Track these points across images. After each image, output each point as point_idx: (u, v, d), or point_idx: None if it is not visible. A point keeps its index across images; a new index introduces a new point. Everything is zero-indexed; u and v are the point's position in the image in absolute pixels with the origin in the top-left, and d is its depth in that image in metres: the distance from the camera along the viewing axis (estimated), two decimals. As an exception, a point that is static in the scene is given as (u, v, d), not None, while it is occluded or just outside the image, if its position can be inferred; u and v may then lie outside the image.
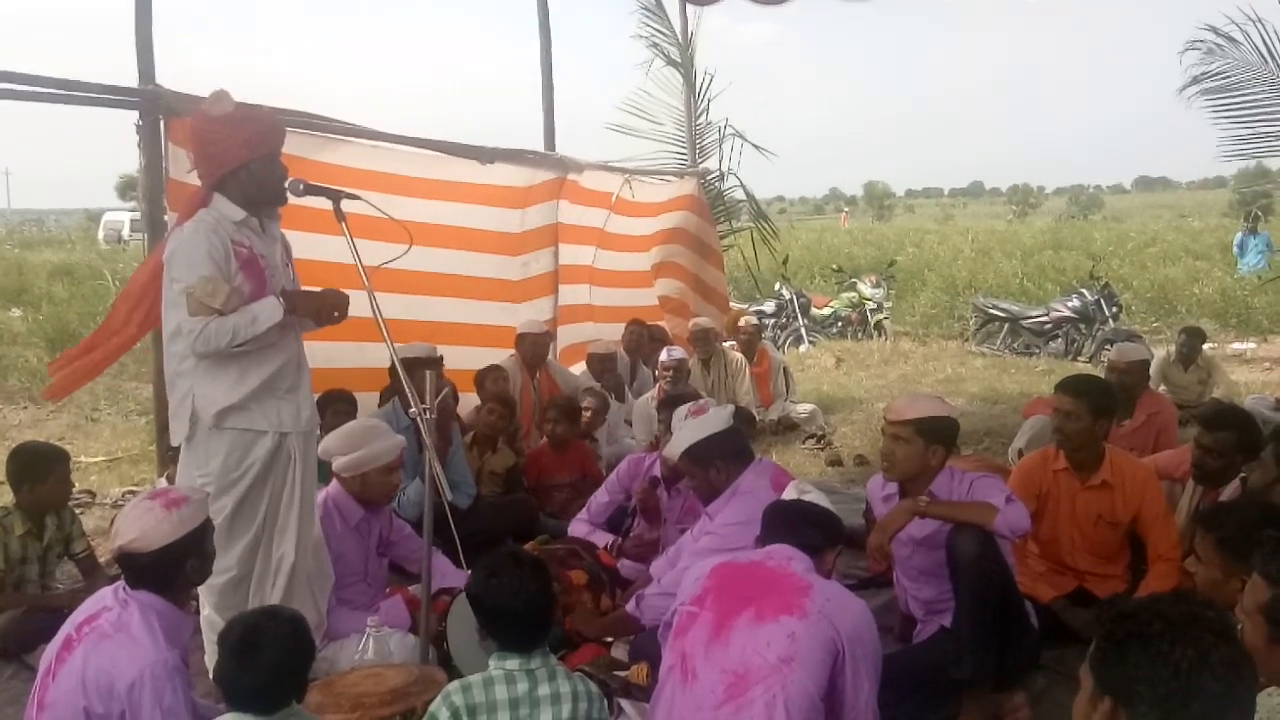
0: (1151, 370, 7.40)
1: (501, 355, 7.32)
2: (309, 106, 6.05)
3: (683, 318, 9.92)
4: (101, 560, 5.03)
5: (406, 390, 3.68)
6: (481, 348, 7.36)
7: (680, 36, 11.30)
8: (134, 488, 7.30)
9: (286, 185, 3.88)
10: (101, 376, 12.53)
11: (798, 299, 15.73)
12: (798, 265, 20.75)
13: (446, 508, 3.68)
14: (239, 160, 3.79)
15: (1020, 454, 5.77)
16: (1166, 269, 20.70)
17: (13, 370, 12.92)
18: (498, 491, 6.23)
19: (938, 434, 3.92)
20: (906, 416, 3.93)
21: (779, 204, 74.47)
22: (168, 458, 5.49)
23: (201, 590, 3.69)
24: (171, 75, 5.33)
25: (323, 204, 3.87)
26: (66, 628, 3.01)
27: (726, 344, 9.56)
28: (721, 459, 4.25)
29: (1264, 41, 8.72)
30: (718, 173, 11.63)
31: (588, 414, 6.87)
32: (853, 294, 16.22)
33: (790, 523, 3.26)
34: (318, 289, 4.03)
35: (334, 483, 4.46)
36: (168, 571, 3.00)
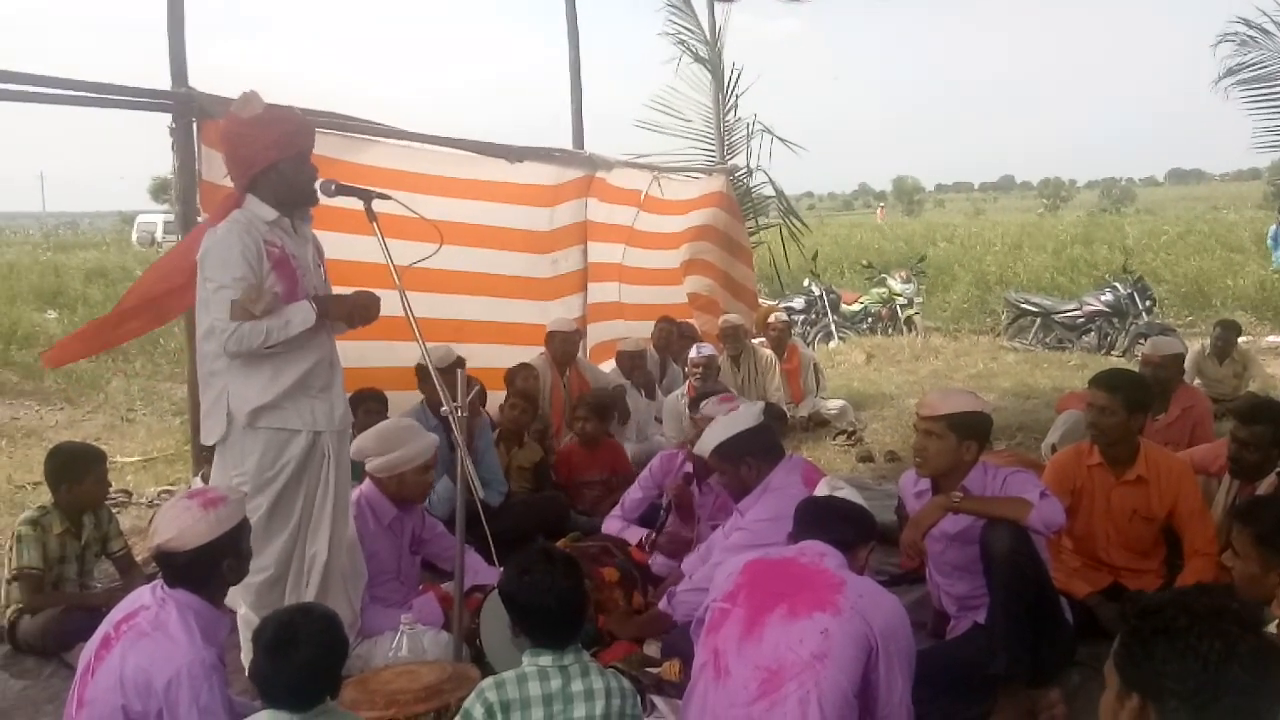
0: (1186, 364, 7.33)
1: (531, 353, 7.33)
2: (339, 109, 6.06)
3: (712, 315, 9.90)
4: (138, 559, 5.08)
5: (438, 389, 3.69)
6: (511, 346, 7.38)
7: (708, 33, 11.29)
8: (169, 487, 7.37)
9: (318, 186, 3.91)
10: (137, 377, 12.76)
11: (827, 295, 15.69)
12: (827, 261, 20.70)
13: (479, 505, 3.69)
14: (268, 161, 3.83)
15: (1053, 449, 5.73)
16: (1200, 262, 20.47)
17: (49, 371, 13.06)
18: (526, 487, 6.26)
19: (971, 429, 3.90)
20: (940, 412, 3.91)
21: (808, 200, 74.28)
22: (202, 457, 5.53)
23: (238, 589, 3.72)
24: (203, 78, 5.36)
25: (354, 204, 3.89)
26: (104, 626, 3.04)
27: (756, 341, 9.54)
28: (752, 456, 4.25)
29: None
30: (746, 169, 11.61)
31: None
32: (883, 289, 16.16)
33: (823, 519, 3.26)
34: (349, 292, 4.05)
35: (367, 482, 4.48)
36: (205, 570, 3.03)
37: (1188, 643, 1.69)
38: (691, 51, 11.33)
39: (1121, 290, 13.98)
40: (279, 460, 3.81)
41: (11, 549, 4.68)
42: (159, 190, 54.95)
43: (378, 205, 3.89)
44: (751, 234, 11.61)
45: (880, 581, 3.53)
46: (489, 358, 7.04)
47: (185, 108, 5.26)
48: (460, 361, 5.76)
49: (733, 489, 4.35)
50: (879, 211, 60.45)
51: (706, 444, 4.34)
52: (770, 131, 11.51)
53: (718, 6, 11.12)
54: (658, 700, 3.71)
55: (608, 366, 8.28)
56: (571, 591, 2.86)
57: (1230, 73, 9.87)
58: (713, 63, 11.34)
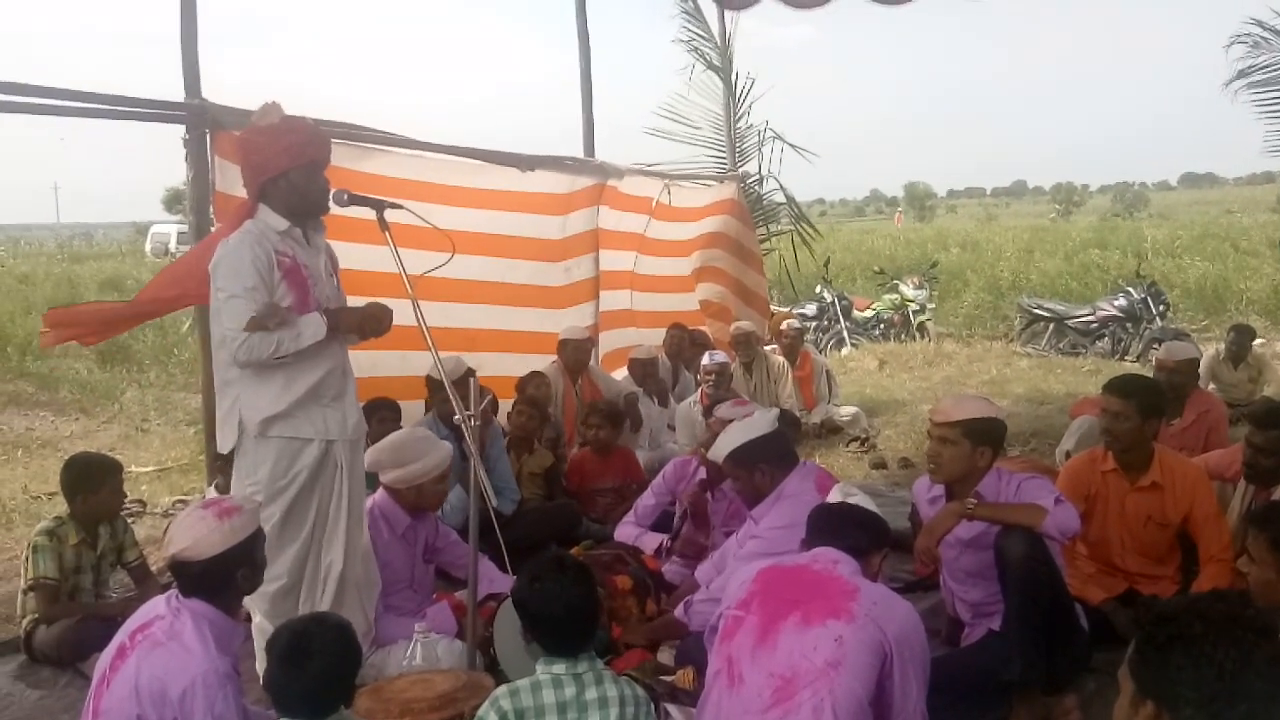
0: (1201, 369, 7.30)
1: (543, 361, 7.34)
2: (351, 119, 6.08)
3: (724, 322, 9.91)
4: (153, 569, 5.09)
5: (452, 399, 3.69)
6: (524, 354, 7.39)
7: (719, 40, 11.31)
8: (184, 497, 7.39)
9: (331, 195, 3.93)
10: (151, 387, 12.82)
11: (839, 301, 15.66)
12: (839, 267, 20.67)
13: (492, 513, 3.69)
14: (279, 168, 3.85)
15: (1068, 455, 5.70)
16: (1214, 266, 20.40)
17: (64, 382, 13.14)
18: (538, 493, 6.27)
19: (985, 435, 3.89)
20: (953, 418, 3.90)
21: (819, 206, 74.13)
22: (216, 467, 5.55)
23: (252, 598, 3.73)
24: (217, 90, 5.39)
25: (366, 214, 3.90)
26: (120, 636, 3.05)
27: (768, 347, 9.54)
28: (766, 462, 4.24)
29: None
30: (757, 176, 11.62)
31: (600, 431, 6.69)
32: (895, 296, 16.12)
33: (836, 525, 3.25)
34: (361, 303, 4.06)
35: (380, 491, 4.49)
36: (219, 580, 3.04)
37: (1203, 650, 1.69)
38: (704, 59, 11.35)
39: (1135, 295, 13.94)
40: (291, 469, 3.82)
41: (27, 559, 4.70)
42: (173, 201, 55.20)
43: (390, 215, 3.90)
44: (763, 241, 11.63)
45: (894, 588, 3.52)
46: (501, 366, 7.05)
47: (199, 119, 5.29)
48: (471, 371, 5.77)
49: (746, 495, 4.35)
50: (897, 217, 60.48)
51: (721, 449, 4.34)
52: (781, 138, 11.55)
53: (728, 14, 11.13)
54: (672, 708, 3.70)
55: (620, 374, 8.28)
56: (583, 600, 2.87)
57: (1241, 75, 9.84)
58: (724, 70, 11.36)
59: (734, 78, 11.42)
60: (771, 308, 11.62)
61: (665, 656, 4.19)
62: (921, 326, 15.70)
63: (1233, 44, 9.80)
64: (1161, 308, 14.00)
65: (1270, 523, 3.11)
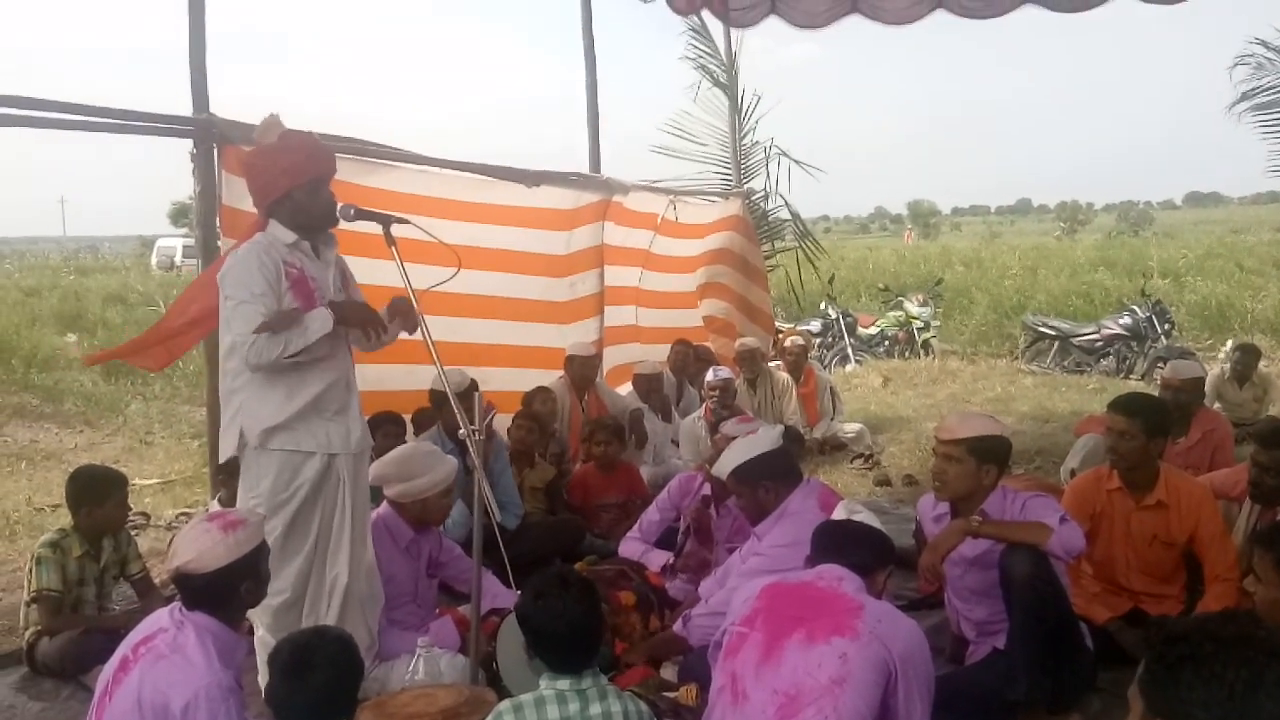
0: (1206, 387, 7.29)
1: (548, 377, 7.34)
2: (357, 134, 6.11)
3: (729, 338, 9.90)
4: (157, 581, 5.09)
5: (457, 413, 3.69)
6: (529, 369, 7.40)
7: (724, 57, 11.34)
8: (187, 510, 7.40)
9: (337, 211, 3.94)
10: (155, 400, 12.84)
11: (844, 318, 15.66)
12: (844, 284, 20.68)
13: (495, 528, 3.69)
14: (281, 190, 3.88)
15: (1073, 473, 5.69)
16: (1219, 285, 20.40)
17: (68, 394, 13.16)
18: (540, 507, 6.27)
19: (990, 453, 3.88)
20: (959, 435, 3.89)
21: (823, 223, 74.30)
22: (219, 480, 5.55)
23: (256, 612, 3.73)
24: (224, 104, 5.42)
25: (373, 229, 3.91)
26: (123, 648, 3.04)
27: (773, 364, 9.53)
28: (770, 479, 4.24)
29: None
30: (762, 193, 11.63)
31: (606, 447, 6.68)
32: (899, 313, 16.12)
33: (841, 542, 3.25)
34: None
35: (384, 505, 4.49)
36: (223, 593, 3.03)
37: (1214, 670, 1.69)
38: (710, 75, 11.38)
39: (1140, 313, 13.93)
40: (293, 482, 3.82)
41: (31, 571, 4.69)
42: (178, 215, 55.39)
43: (396, 230, 3.91)
44: (768, 257, 11.62)
45: (898, 606, 3.51)
46: (506, 381, 7.06)
47: (206, 133, 5.31)
48: (475, 385, 5.77)
49: (749, 512, 4.34)
50: (906, 235, 60.60)
51: (725, 465, 4.34)
52: (786, 155, 11.56)
53: (733, 31, 11.16)
54: (675, 725, 3.69)
55: (624, 389, 8.28)
56: (587, 616, 2.86)
57: (1245, 97, 9.86)
58: (729, 87, 11.38)
59: (740, 94, 11.45)
60: (776, 324, 11.62)
61: (668, 673, 4.18)
62: (926, 344, 15.69)
63: (1236, 65, 9.82)
64: (1166, 326, 13.99)
65: (1276, 542, 3.10)
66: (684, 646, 4.20)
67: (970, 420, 4.02)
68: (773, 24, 9.44)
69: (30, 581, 4.68)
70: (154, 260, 39.38)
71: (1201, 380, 6.53)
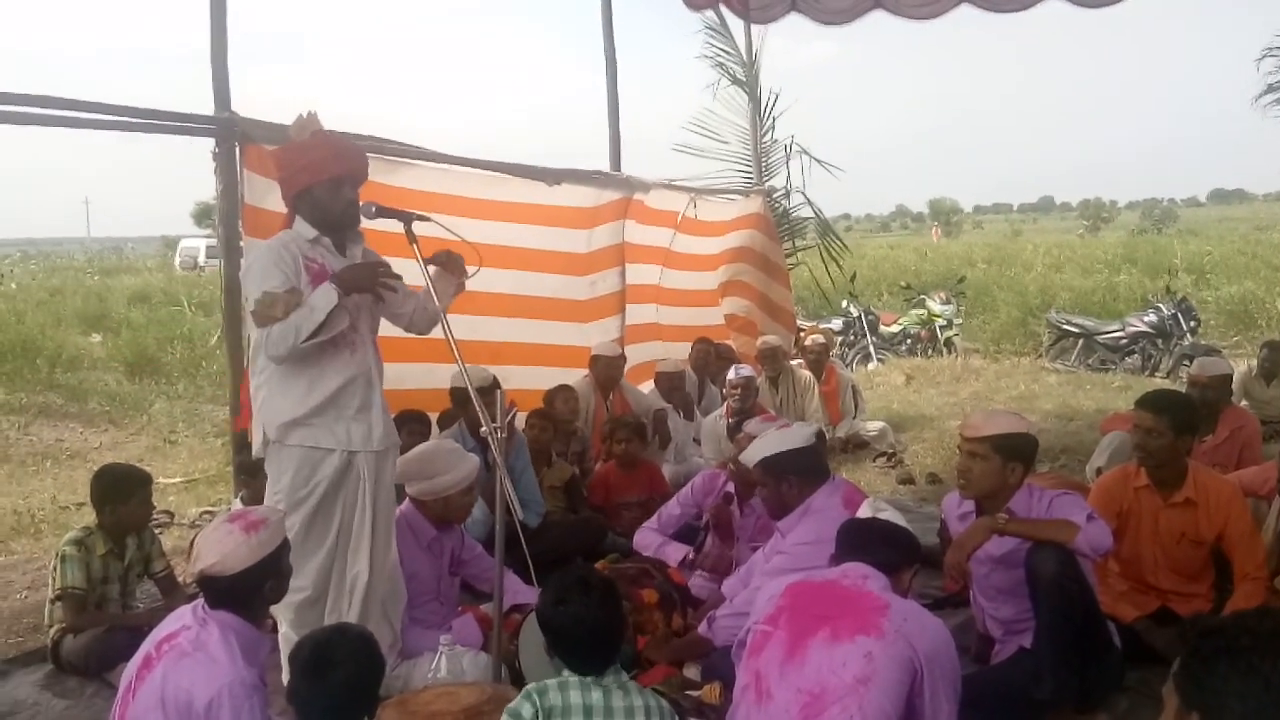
0: (1233, 385, 7.22)
1: (569, 375, 7.33)
2: (379, 135, 6.11)
3: (750, 336, 9.88)
4: (180, 579, 5.10)
5: (479, 411, 3.68)
6: (549, 367, 7.39)
7: (745, 55, 11.31)
8: (211, 508, 7.43)
9: (360, 209, 3.94)
10: (179, 399, 12.92)
11: (866, 316, 15.60)
12: (865, 283, 20.59)
13: (518, 526, 3.68)
14: (301, 185, 3.91)
15: (1099, 472, 5.64)
16: (1245, 282, 20.22)
17: (93, 394, 13.25)
18: (559, 506, 6.26)
19: (1016, 451, 3.85)
20: (984, 433, 3.86)
21: (845, 221, 74.03)
22: (240, 480, 5.57)
23: (278, 609, 3.73)
24: (247, 104, 5.43)
25: (395, 226, 3.91)
26: (146, 646, 3.05)
27: (794, 362, 9.50)
28: (795, 475, 4.22)
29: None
30: (783, 190, 11.59)
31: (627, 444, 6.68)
32: (922, 311, 16.04)
33: (866, 541, 3.22)
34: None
35: (406, 502, 4.49)
36: (247, 592, 3.04)
37: (1250, 662, 1.70)
38: (729, 74, 11.36)
39: (1165, 311, 13.82)
40: (312, 479, 3.83)
41: (55, 569, 4.71)
42: (202, 215, 55.71)
43: (418, 227, 3.90)
44: (789, 255, 11.59)
45: (923, 604, 3.48)
46: (527, 379, 7.06)
47: (228, 132, 5.32)
48: (496, 383, 5.77)
49: (770, 504, 4.33)
50: (934, 232, 60.44)
51: (754, 454, 4.33)
52: (807, 153, 11.52)
53: (754, 29, 11.13)
54: (698, 724, 3.68)
55: (645, 387, 8.27)
56: (608, 620, 2.85)
57: (1271, 89, 9.77)
58: (749, 85, 11.36)
59: (760, 92, 11.42)
60: (797, 322, 11.58)
61: (692, 671, 4.16)
62: (949, 342, 15.61)
63: (1264, 58, 9.74)
64: (1192, 324, 13.87)
65: (1307, 540, 3.06)
66: (708, 648, 4.18)
67: (996, 418, 3.99)
68: (793, 21, 9.38)
69: (55, 579, 4.70)
70: (177, 261, 39.63)
71: (1229, 378, 6.46)
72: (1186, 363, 11.43)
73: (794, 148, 11.50)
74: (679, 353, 8.78)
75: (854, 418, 9.36)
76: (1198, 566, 4.48)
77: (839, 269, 12.29)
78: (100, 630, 4.60)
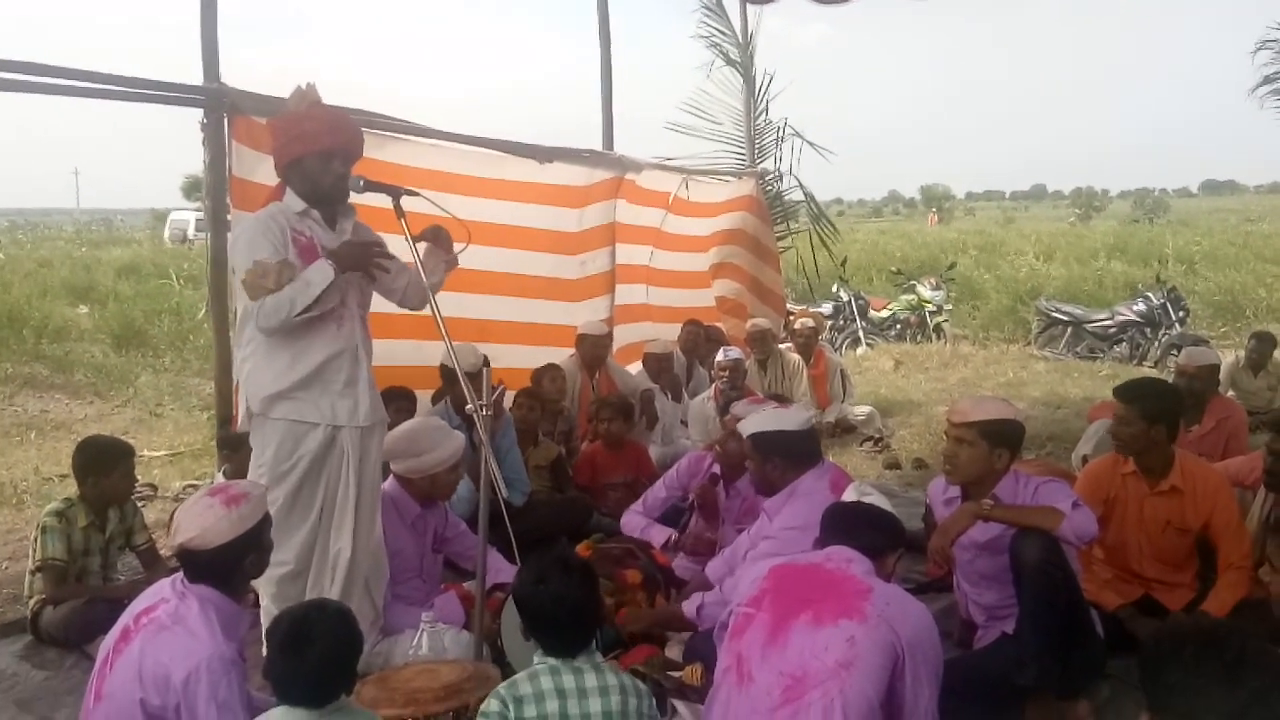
0: (1220, 375, 7.23)
1: (557, 354, 7.31)
2: (370, 108, 6.06)
3: (740, 318, 9.87)
4: (162, 553, 5.08)
5: (465, 389, 3.66)
6: (537, 346, 7.37)
7: (740, 36, 11.25)
8: (195, 481, 7.40)
9: (349, 183, 3.91)
10: (165, 372, 12.86)
11: (856, 301, 15.60)
12: (856, 267, 20.59)
13: (502, 504, 3.67)
14: (293, 154, 3.88)
15: (1084, 459, 5.65)
16: (1234, 273, 20.27)
17: (79, 365, 13.19)
18: (545, 485, 6.24)
19: (1003, 437, 3.84)
20: (971, 419, 3.85)
21: (837, 206, 73.97)
22: (222, 455, 5.55)
23: (260, 583, 3.72)
24: (236, 75, 5.38)
25: (383, 201, 3.88)
26: (124, 619, 3.03)
27: (784, 345, 9.49)
28: (781, 457, 4.22)
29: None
30: (776, 173, 11.55)
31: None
32: (912, 296, 16.04)
33: (850, 524, 3.21)
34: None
35: (391, 479, 4.47)
36: (227, 567, 3.03)
37: (1198, 662, 1.80)
38: (724, 54, 11.30)
39: (1154, 300, 13.84)
40: (295, 453, 3.81)
41: (36, 540, 4.69)
42: (192, 188, 55.44)
43: (406, 203, 3.87)
44: (780, 238, 11.56)
45: (906, 589, 3.48)
46: (515, 358, 7.03)
47: (216, 102, 5.27)
48: (485, 362, 5.74)
49: (756, 481, 4.36)
50: (931, 218, 60.43)
51: (748, 426, 4.35)
52: (801, 135, 11.47)
53: (750, 9, 11.07)
54: (679, 705, 3.67)
55: (634, 368, 8.25)
56: (585, 603, 2.84)
57: (1267, 80, 9.76)
58: (744, 66, 11.30)
59: (754, 74, 11.36)
60: (787, 305, 11.57)
61: (673, 652, 4.16)
62: (938, 328, 15.62)
63: (1259, 49, 9.72)
64: (1181, 313, 13.89)
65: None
66: (688, 625, 4.17)
67: (983, 403, 3.98)
68: (791, 1, 9.33)
69: (35, 551, 4.69)
70: (167, 233, 39.46)
71: (1216, 368, 6.48)
72: (1174, 352, 11.44)
73: (787, 130, 11.46)
74: (668, 334, 8.77)
75: (842, 402, 9.37)
76: (1182, 555, 4.48)
77: (829, 253, 12.26)
78: (80, 602, 4.58)
